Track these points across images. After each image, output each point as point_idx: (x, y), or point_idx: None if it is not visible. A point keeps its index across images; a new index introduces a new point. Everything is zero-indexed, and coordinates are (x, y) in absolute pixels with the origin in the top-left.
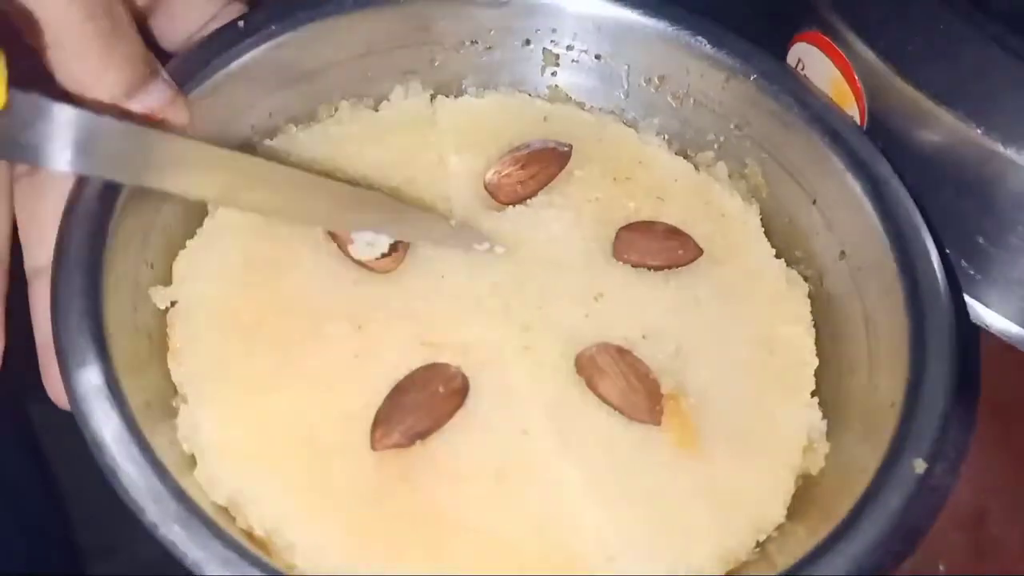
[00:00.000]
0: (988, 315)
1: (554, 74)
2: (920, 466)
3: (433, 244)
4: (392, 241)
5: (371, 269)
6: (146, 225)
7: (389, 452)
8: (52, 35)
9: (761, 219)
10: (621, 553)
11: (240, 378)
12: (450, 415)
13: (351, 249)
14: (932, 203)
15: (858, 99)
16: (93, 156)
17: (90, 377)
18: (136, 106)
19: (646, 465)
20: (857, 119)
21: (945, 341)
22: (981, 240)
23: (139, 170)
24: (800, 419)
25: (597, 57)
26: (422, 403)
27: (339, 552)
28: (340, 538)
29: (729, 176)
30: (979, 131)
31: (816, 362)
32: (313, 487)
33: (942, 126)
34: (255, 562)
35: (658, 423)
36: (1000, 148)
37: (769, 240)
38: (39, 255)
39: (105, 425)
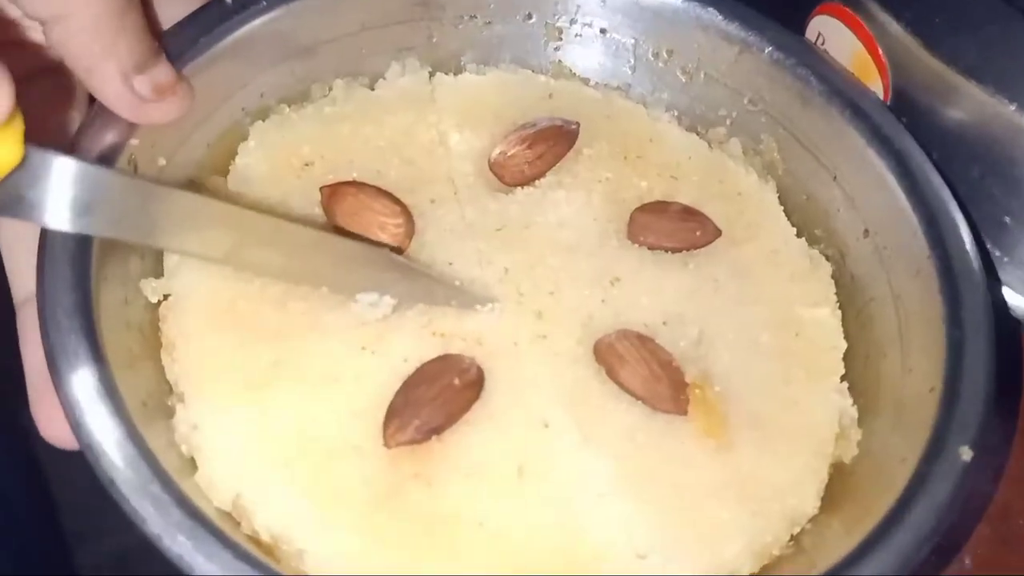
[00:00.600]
0: (1013, 298)
1: (557, 49)
2: (966, 454)
3: (436, 304)
4: (395, 302)
5: None
6: None
7: (402, 449)
8: (61, 6)
9: (778, 197)
10: (651, 551)
11: (238, 374)
12: (466, 408)
13: (353, 309)
14: (958, 182)
15: (882, 74)
16: (99, 213)
17: (84, 376)
18: (145, 83)
19: (673, 457)
20: (880, 95)
21: (982, 321)
22: (1008, 220)
23: (146, 227)
24: (831, 405)
25: (602, 31)
26: (436, 396)
27: (352, 557)
28: (353, 542)
29: (743, 153)
30: (1011, 107)
31: (845, 345)
32: (322, 489)
33: (970, 102)
34: (268, 573)
35: (684, 413)
36: None
37: (787, 219)
38: (28, 282)
39: (102, 428)
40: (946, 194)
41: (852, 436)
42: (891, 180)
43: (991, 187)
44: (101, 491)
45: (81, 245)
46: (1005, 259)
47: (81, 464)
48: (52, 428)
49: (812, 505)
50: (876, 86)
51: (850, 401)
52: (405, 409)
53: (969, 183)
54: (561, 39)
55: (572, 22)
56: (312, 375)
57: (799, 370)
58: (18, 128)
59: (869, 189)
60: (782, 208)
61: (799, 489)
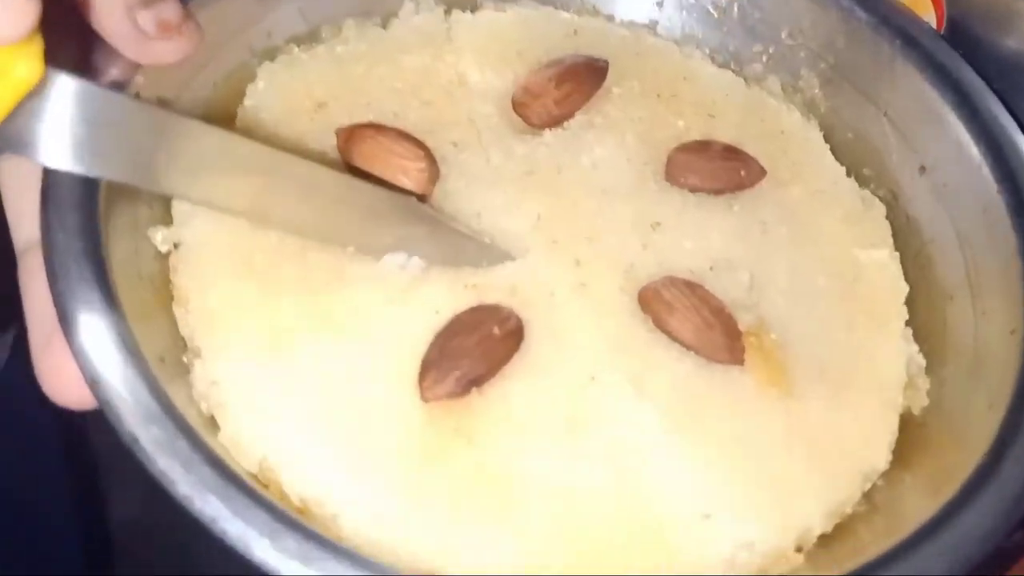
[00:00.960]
0: None
1: None
2: None
3: (466, 265)
4: (425, 264)
5: None
6: None
7: (440, 404)
8: None
9: (822, 136)
10: (716, 510)
11: (259, 328)
12: (506, 360)
13: (380, 266)
14: (1019, 115)
15: (935, 3)
16: (109, 148)
17: (100, 328)
18: (149, 18)
19: (732, 409)
20: (933, 25)
21: None
22: None
23: (160, 169)
24: (896, 353)
25: None
26: (475, 346)
27: (390, 520)
28: (390, 504)
29: (782, 90)
30: None
31: (907, 288)
32: (356, 448)
33: None
34: (312, 537)
35: (740, 362)
36: None
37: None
38: (30, 229)
39: (122, 383)
40: (1010, 124)
41: (920, 385)
42: (948, 112)
43: None
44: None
45: (87, 189)
46: None
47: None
48: (58, 383)
49: (884, 459)
50: (929, 16)
51: (916, 348)
52: (442, 360)
53: None
54: None
55: None
56: (338, 329)
57: (861, 315)
58: (39, 45)
59: (924, 123)
60: (827, 147)
61: (870, 442)
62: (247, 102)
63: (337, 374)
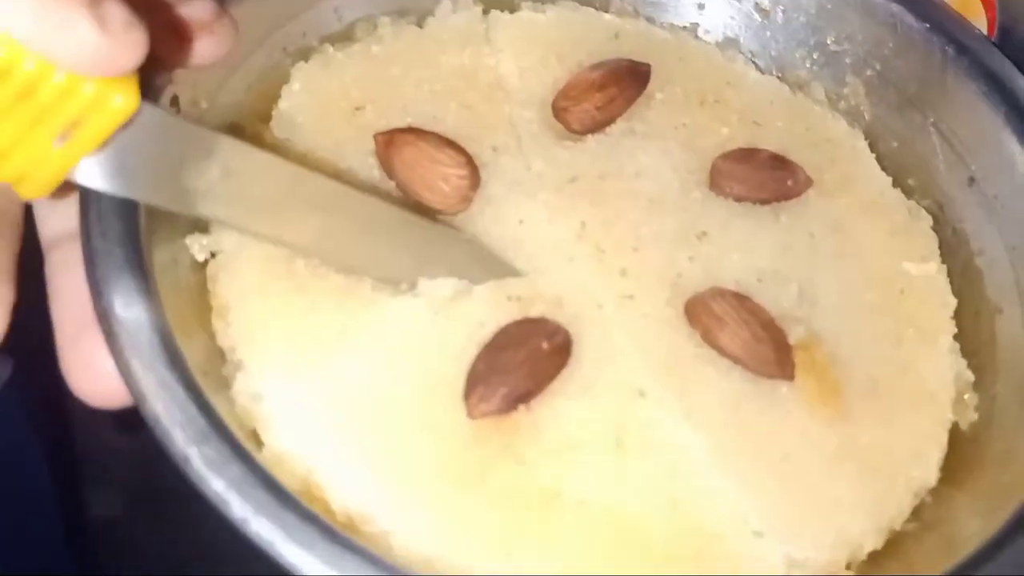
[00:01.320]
0: None
1: None
2: None
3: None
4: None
5: (438, 211)
6: None
7: (486, 421)
8: None
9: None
10: (769, 529)
11: (303, 340)
12: (554, 375)
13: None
14: None
15: (987, 7)
16: (157, 171)
17: (145, 339)
18: (184, 14)
19: (783, 426)
20: (984, 30)
21: None
22: None
23: (217, 196)
24: (945, 367)
25: None
26: (523, 362)
27: (437, 539)
28: (438, 523)
29: (826, 97)
30: None
31: (955, 302)
32: (401, 465)
33: None
34: (372, 559)
35: (791, 378)
36: None
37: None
38: (56, 223)
39: (170, 399)
40: None
41: (969, 401)
42: (1000, 122)
43: None
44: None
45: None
46: None
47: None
48: (87, 382)
49: (933, 476)
50: (980, 22)
51: (965, 363)
52: (490, 376)
53: None
54: None
55: None
56: (382, 343)
57: (909, 329)
58: (135, 76)
59: (973, 133)
60: (873, 156)
61: (919, 459)
62: (282, 104)
63: (381, 388)
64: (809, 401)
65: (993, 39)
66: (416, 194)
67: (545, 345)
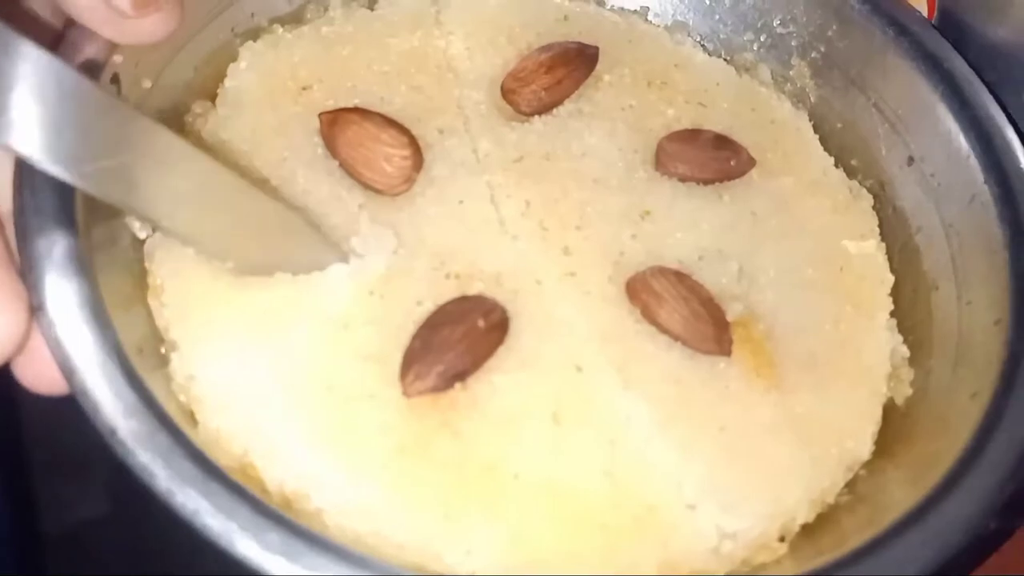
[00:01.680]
0: None
1: None
2: None
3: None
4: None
5: (378, 191)
6: None
7: (424, 398)
8: None
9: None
10: (703, 500)
11: (236, 319)
12: (490, 352)
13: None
14: (1010, 107)
15: None
16: (79, 143)
17: (76, 314)
18: None
19: (719, 400)
20: (925, 13)
21: None
22: None
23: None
24: (881, 343)
25: None
26: (459, 339)
27: (375, 513)
28: (376, 497)
29: (772, 79)
30: None
31: (892, 279)
32: (339, 442)
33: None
34: (297, 531)
35: (728, 353)
36: None
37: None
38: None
39: (99, 373)
40: (999, 115)
41: (904, 376)
42: (938, 102)
43: None
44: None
45: (64, 191)
46: None
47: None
48: (29, 369)
49: (867, 449)
50: (920, 5)
51: (900, 338)
52: (426, 354)
53: (1020, 106)
54: None
55: None
56: (318, 321)
57: (847, 306)
58: None
59: (914, 114)
60: (817, 137)
61: (855, 432)
62: (228, 82)
63: (319, 367)
64: (746, 375)
65: (933, 21)
66: (358, 174)
67: (481, 323)
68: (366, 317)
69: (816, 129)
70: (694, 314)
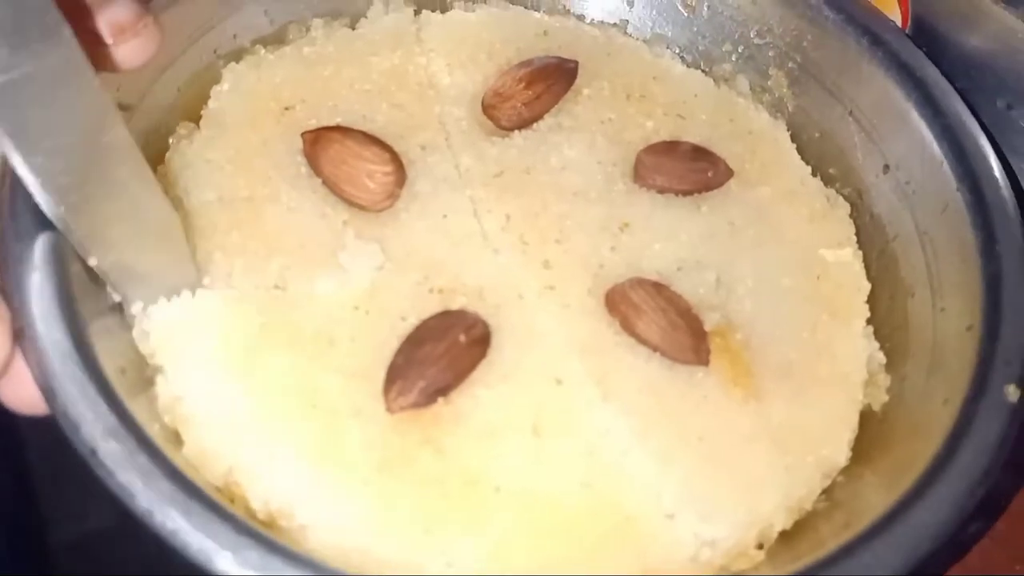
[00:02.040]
0: None
1: None
2: (1014, 393)
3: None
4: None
5: (362, 207)
6: None
7: (407, 414)
8: None
9: (789, 135)
10: (681, 509)
11: (223, 339)
12: (473, 367)
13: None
14: (982, 115)
15: (901, 1)
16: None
17: (56, 337)
18: (102, 22)
19: (697, 410)
20: (899, 23)
21: (1020, 255)
22: None
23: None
24: (857, 350)
25: None
26: (442, 355)
27: (359, 529)
28: (359, 513)
29: (751, 90)
30: None
31: (869, 287)
32: (322, 459)
33: (996, 27)
34: (276, 549)
35: (706, 363)
36: None
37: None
38: None
39: (79, 394)
40: (972, 123)
41: (881, 382)
42: (912, 111)
43: (1018, 119)
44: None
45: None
46: None
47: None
48: (10, 389)
49: (844, 456)
50: (894, 14)
51: (877, 345)
52: (409, 369)
53: (994, 115)
54: None
55: None
56: (304, 338)
57: (824, 314)
58: None
59: (889, 122)
60: (794, 147)
61: (832, 439)
62: (211, 104)
63: (303, 384)
64: (723, 385)
65: (907, 31)
66: (342, 191)
67: (463, 338)
68: (351, 333)
69: (795, 139)
70: (672, 325)
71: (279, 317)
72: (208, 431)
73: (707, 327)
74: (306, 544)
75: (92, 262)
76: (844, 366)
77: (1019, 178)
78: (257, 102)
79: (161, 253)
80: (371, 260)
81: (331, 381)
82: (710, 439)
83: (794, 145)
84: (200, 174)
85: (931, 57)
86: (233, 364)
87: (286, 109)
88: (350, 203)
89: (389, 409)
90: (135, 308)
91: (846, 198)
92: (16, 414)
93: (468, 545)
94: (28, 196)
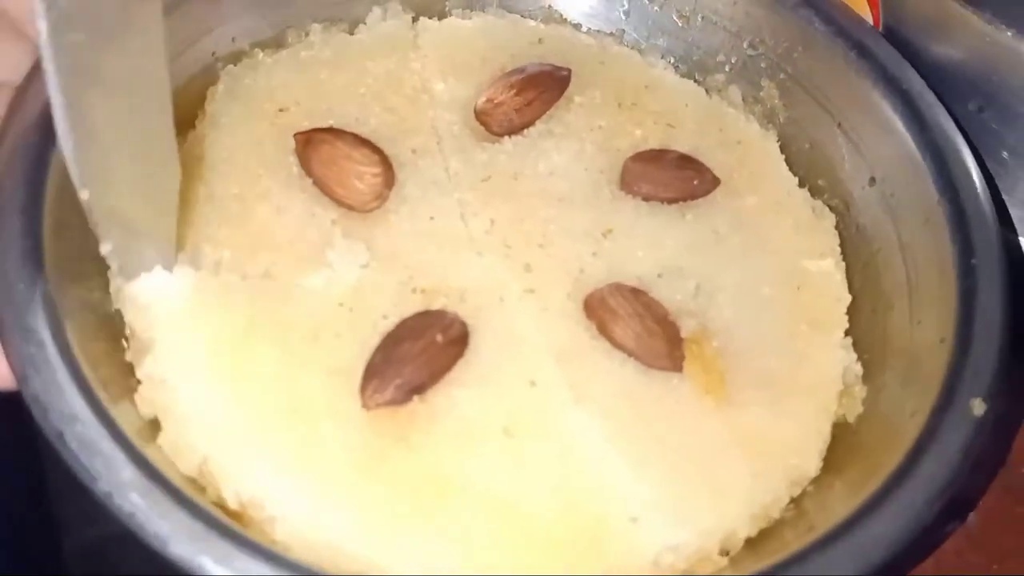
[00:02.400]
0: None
1: None
2: (979, 407)
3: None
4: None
5: (350, 207)
6: None
7: (383, 411)
8: None
9: (779, 146)
10: (646, 514)
11: (210, 323)
12: (449, 367)
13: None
14: (955, 117)
15: (872, 5)
16: None
17: (33, 321)
18: None
19: (669, 416)
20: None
21: (996, 269)
22: (1007, 156)
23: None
24: (834, 361)
25: None
26: (418, 354)
27: (328, 523)
28: (330, 508)
29: (743, 100)
30: (1008, 33)
31: (849, 298)
32: (297, 452)
33: (966, 30)
34: (231, 535)
35: (679, 369)
36: None
37: (788, 169)
38: None
39: (48, 378)
40: (957, 137)
41: (857, 394)
42: (898, 124)
43: (989, 121)
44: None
45: (32, 191)
46: (1004, 197)
47: None
48: None
49: (814, 466)
50: (866, 18)
51: (855, 357)
52: (387, 368)
53: (967, 118)
54: None
55: None
56: (289, 332)
57: (803, 324)
58: None
59: (875, 134)
60: (783, 157)
61: (801, 449)
62: (208, 106)
63: (285, 378)
64: (696, 392)
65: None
66: (331, 191)
67: (440, 337)
68: (335, 329)
69: (784, 149)
70: (648, 331)
71: (266, 309)
72: (185, 422)
73: (683, 334)
74: (273, 536)
75: (84, 195)
76: (820, 376)
77: (995, 180)
78: (252, 103)
79: (153, 203)
80: (357, 258)
81: (312, 376)
82: (681, 445)
83: (783, 156)
84: (192, 172)
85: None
86: (218, 353)
87: (280, 111)
88: (339, 203)
89: (365, 406)
90: (118, 280)
91: (834, 210)
92: (32, 423)
93: (436, 544)
94: (13, 191)
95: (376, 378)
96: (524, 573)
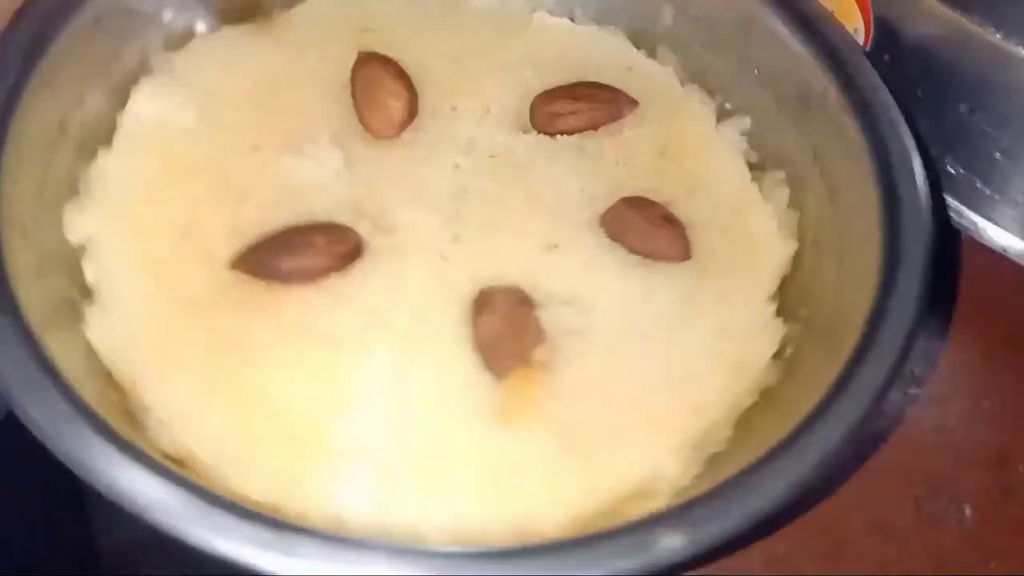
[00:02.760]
0: (1005, 238)
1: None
2: None
3: None
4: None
5: (367, 128)
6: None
7: (244, 278)
8: None
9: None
10: None
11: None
12: (322, 274)
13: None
14: (946, 119)
15: (863, 8)
16: None
17: None
18: None
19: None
20: (861, 31)
21: (920, 250)
22: (999, 156)
23: None
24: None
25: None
26: (296, 246)
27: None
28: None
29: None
30: (997, 35)
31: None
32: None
33: (956, 33)
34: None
35: (502, 377)
36: (1021, 52)
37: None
38: None
39: None
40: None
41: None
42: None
43: (981, 122)
44: None
45: None
46: (996, 197)
47: None
48: None
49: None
50: (857, 22)
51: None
52: (264, 245)
53: (958, 119)
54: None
55: None
56: (223, 183)
57: None
58: None
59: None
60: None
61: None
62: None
63: (187, 218)
64: (504, 404)
65: (869, 39)
66: (359, 110)
67: (322, 242)
68: (264, 203)
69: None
70: (503, 334)
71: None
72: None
73: (535, 356)
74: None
75: None
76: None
77: (984, 179)
78: (340, 24)
79: None
80: (332, 164)
81: (213, 230)
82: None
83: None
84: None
85: (893, 64)
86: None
87: (364, 30)
88: (361, 123)
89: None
90: None
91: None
92: None
93: None
94: None
95: (252, 250)
96: None
